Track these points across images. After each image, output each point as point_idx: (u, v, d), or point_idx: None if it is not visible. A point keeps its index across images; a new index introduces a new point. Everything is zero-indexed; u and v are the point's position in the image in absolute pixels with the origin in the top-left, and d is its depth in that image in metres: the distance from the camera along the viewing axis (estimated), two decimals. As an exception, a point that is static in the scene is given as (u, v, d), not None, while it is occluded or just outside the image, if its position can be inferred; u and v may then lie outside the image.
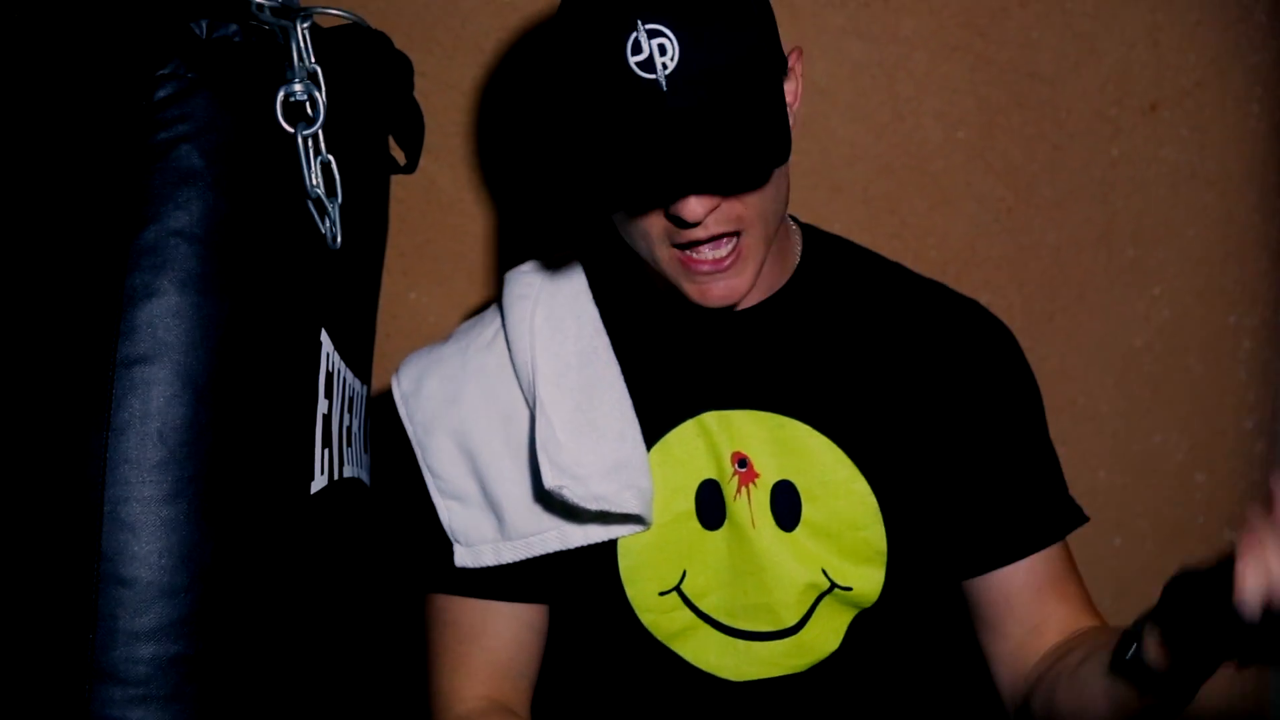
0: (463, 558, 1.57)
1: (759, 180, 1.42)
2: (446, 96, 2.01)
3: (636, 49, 1.36)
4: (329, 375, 1.39)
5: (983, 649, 1.62)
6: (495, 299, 1.63)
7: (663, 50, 1.36)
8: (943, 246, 2.08)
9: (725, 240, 1.44)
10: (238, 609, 1.22)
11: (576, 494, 1.49)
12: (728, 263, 1.45)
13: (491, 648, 1.58)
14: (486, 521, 1.56)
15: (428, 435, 1.58)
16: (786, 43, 1.48)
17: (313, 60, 1.29)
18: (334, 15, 1.43)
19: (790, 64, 1.48)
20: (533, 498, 1.55)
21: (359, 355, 1.51)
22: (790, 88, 1.48)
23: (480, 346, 1.59)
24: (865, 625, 1.55)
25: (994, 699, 1.66)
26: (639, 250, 1.48)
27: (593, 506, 1.49)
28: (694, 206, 1.40)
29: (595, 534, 1.53)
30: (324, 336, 1.37)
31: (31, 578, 1.18)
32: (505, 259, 2.07)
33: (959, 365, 1.58)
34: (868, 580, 1.53)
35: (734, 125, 1.37)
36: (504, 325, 1.59)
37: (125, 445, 1.19)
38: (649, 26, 1.36)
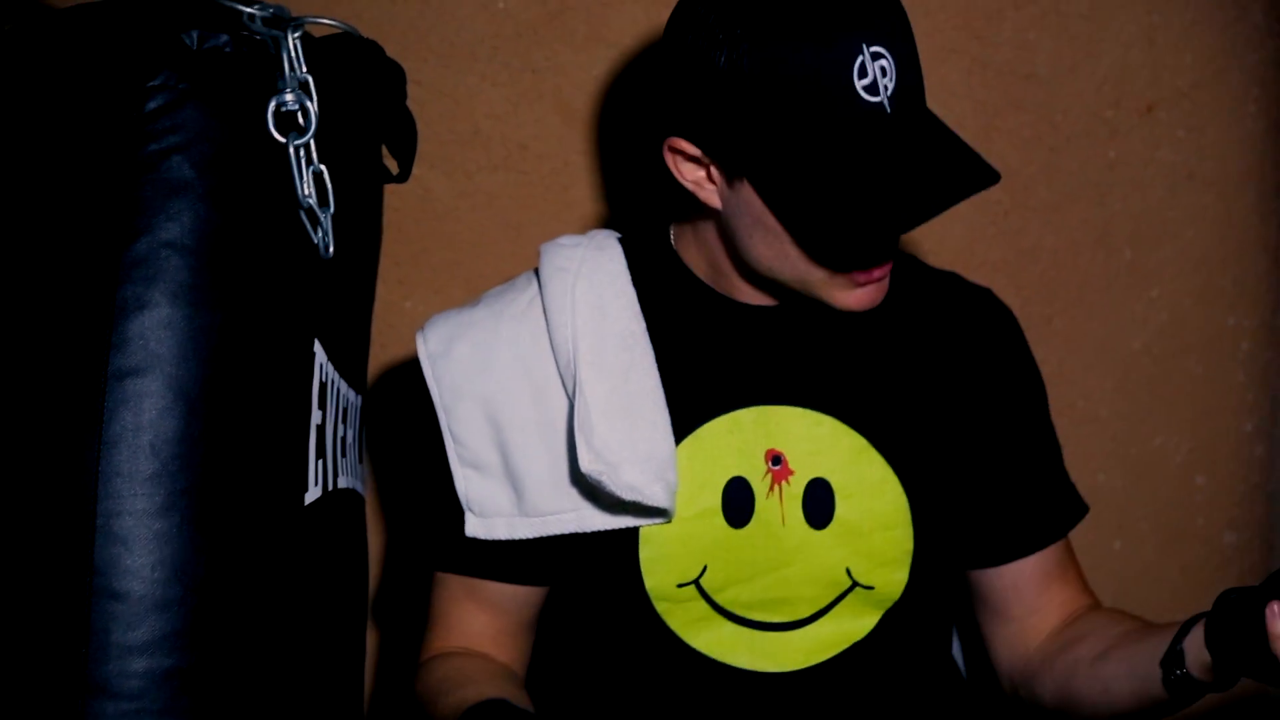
0: (474, 528, 1.54)
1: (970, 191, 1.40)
2: (440, 105, 2.00)
3: (863, 73, 1.36)
4: (323, 386, 1.38)
5: (981, 628, 1.65)
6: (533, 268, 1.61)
7: (884, 72, 1.37)
8: (940, 250, 2.07)
9: None
10: (232, 622, 1.22)
11: (612, 481, 1.47)
12: (889, 268, 1.48)
13: (487, 615, 1.58)
14: (504, 494, 1.54)
15: (455, 400, 1.55)
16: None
17: (304, 70, 1.29)
18: (325, 25, 1.42)
19: None
20: (556, 477, 1.53)
21: (353, 365, 1.51)
22: None
23: (514, 315, 1.56)
24: (887, 621, 1.55)
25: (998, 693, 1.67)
26: (765, 258, 1.46)
27: (626, 496, 1.47)
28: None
29: (615, 521, 1.51)
30: (317, 347, 1.37)
31: (24, 592, 1.18)
32: (501, 268, 2.06)
33: (974, 358, 1.59)
34: (891, 580, 1.54)
35: (956, 145, 1.39)
36: (542, 296, 1.56)
37: (117, 458, 1.19)
38: (874, 49, 1.36)
